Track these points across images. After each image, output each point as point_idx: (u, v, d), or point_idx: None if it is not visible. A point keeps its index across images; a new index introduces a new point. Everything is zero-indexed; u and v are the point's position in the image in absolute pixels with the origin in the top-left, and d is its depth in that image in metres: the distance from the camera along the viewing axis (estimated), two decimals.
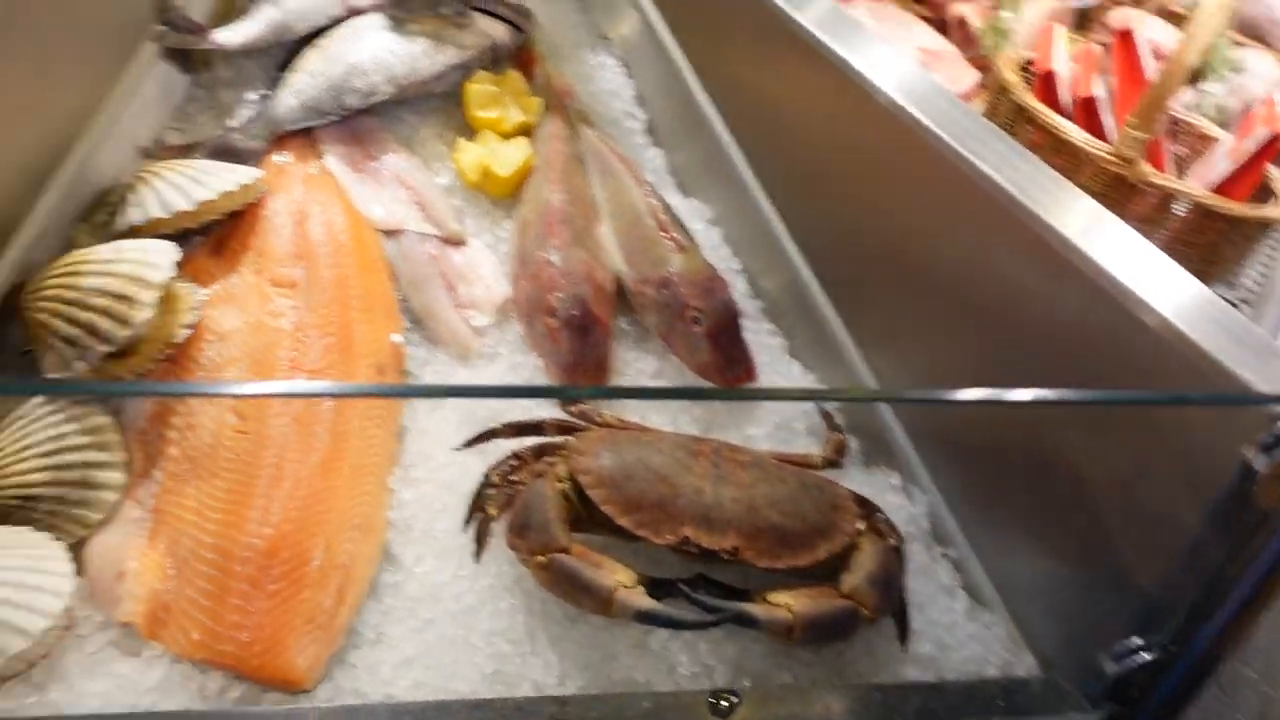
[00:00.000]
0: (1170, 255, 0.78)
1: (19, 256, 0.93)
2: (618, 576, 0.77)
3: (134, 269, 0.89)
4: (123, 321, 0.85)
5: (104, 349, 0.85)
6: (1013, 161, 0.87)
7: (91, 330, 0.85)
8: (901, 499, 0.99)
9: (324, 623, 0.78)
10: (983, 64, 1.92)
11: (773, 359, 1.14)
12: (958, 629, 0.86)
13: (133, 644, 0.77)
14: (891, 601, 0.83)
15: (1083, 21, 2.22)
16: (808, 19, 1.07)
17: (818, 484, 0.88)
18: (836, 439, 1.03)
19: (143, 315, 0.86)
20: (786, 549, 0.82)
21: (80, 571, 0.78)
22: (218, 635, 0.75)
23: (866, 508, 0.90)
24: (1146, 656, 0.72)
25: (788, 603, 0.78)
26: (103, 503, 0.82)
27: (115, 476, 0.84)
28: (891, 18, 1.81)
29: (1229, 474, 0.65)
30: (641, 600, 0.76)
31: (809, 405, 1.08)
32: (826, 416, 1.08)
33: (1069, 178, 0.87)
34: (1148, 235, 0.81)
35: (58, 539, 0.78)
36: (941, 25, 1.96)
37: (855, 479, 1.01)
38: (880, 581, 0.81)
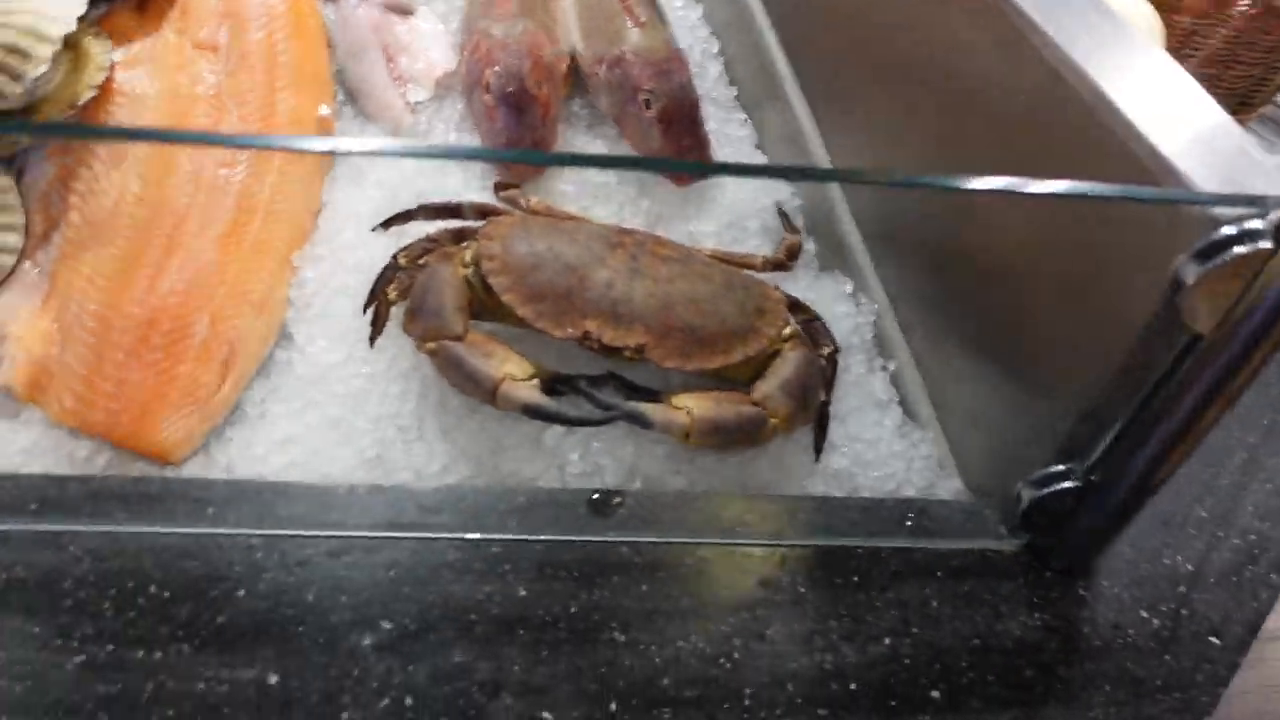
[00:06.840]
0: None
1: None
2: (508, 368, 0.72)
3: (33, 21, 0.83)
4: (16, 77, 0.81)
5: None
6: None
7: None
8: (849, 307, 0.91)
9: (203, 398, 0.75)
10: None
11: (736, 152, 1.05)
12: (881, 445, 0.80)
13: (11, 406, 0.76)
14: (806, 412, 0.77)
15: None
16: None
17: (747, 285, 0.81)
18: (791, 240, 0.95)
19: (37, 71, 0.81)
20: (697, 350, 0.76)
21: None
22: (90, 403, 0.74)
23: (803, 314, 0.84)
24: (1066, 485, 0.66)
25: (688, 405, 0.73)
26: None
27: (11, 239, 0.82)
28: None
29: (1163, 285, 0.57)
30: (528, 393, 0.71)
31: (767, 201, 1.00)
32: (784, 216, 0.99)
33: None
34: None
35: None
36: None
37: (803, 284, 0.93)
38: (795, 389, 0.75)
